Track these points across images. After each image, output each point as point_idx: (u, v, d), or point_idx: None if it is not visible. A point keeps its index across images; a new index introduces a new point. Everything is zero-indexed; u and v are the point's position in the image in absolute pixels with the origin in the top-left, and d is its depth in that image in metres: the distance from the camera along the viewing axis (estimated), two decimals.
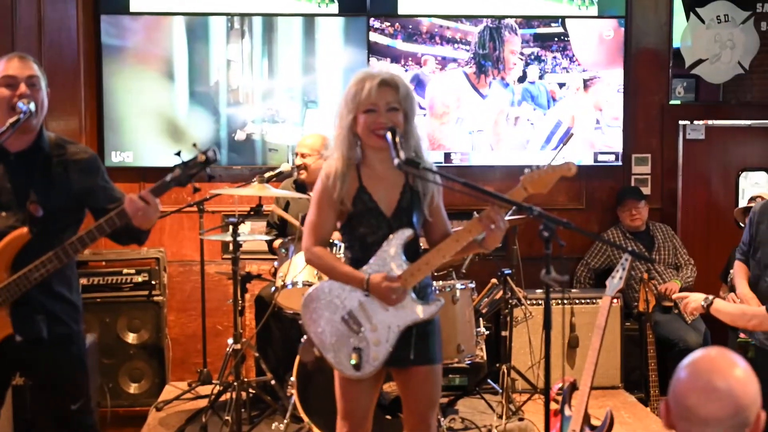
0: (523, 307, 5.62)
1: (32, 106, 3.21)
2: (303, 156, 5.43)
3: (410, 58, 6.52)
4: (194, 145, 3.18)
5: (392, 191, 3.32)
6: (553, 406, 3.68)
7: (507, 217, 5.14)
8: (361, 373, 3.25)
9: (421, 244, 3.46)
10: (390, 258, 3.25)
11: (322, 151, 4.79)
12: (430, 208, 3.36)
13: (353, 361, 3.24)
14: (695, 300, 4.08)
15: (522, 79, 6.62)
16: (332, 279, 3.33)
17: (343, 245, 3.48)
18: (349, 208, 3.29)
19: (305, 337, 3.40)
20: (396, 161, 3.12)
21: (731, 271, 6.13)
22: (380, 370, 3.30)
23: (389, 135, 3.18)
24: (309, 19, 6.46)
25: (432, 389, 3.38)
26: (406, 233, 3.26)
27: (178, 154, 3.17)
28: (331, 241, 4.35)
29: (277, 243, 5.38)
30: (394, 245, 3.25)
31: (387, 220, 3.29)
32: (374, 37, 6.48)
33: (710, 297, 4.04)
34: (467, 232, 3.22)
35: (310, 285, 4.20)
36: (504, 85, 6.60)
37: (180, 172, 3.14)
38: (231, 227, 4.94)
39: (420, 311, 3.25)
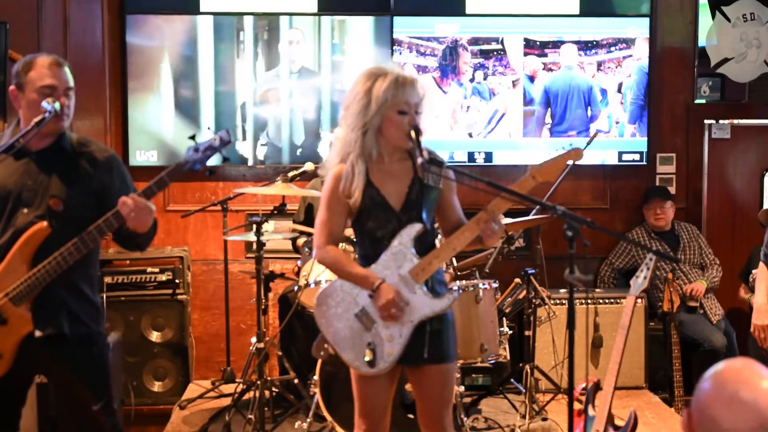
0: (546, 306, 5.60)
1: (57, 105, 3.20)
2: None
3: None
4: (209, 128, 3.19)
5: (400, 185, 3.30)
6: (577, 406, 3.67)
7: (530, 216, 5.17)
8: (375, 370, 3.25)
9: (435, 238, 3.46)
10: (400, 253, 3.25)
11: None
12: (439, 200, 3.35)
13: (367, 358, 3.24)
14: None
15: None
16: (343, 279, 3.33)
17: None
18: (358, 204, 3.28)
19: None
20: (420, 160, 3.13)
21: (753, 271, 6.11)
22: (395, 368, 3.30)
23: (413, 134, 3.18)
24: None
25: (446, 388, 3.36)
26: (415, 228, 3.24)
27: (193, 137, 3.18)
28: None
29: (300, 241, 5.39)
30: (403, 240, 3.24)
31: (396, 214, 3.28)
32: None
33: None
34: (471, 230, 3.23)
35: None
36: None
37: (194, 154, 3.16)
38: (254, 226, 4.97)
39: (432, 305, 3.25)
